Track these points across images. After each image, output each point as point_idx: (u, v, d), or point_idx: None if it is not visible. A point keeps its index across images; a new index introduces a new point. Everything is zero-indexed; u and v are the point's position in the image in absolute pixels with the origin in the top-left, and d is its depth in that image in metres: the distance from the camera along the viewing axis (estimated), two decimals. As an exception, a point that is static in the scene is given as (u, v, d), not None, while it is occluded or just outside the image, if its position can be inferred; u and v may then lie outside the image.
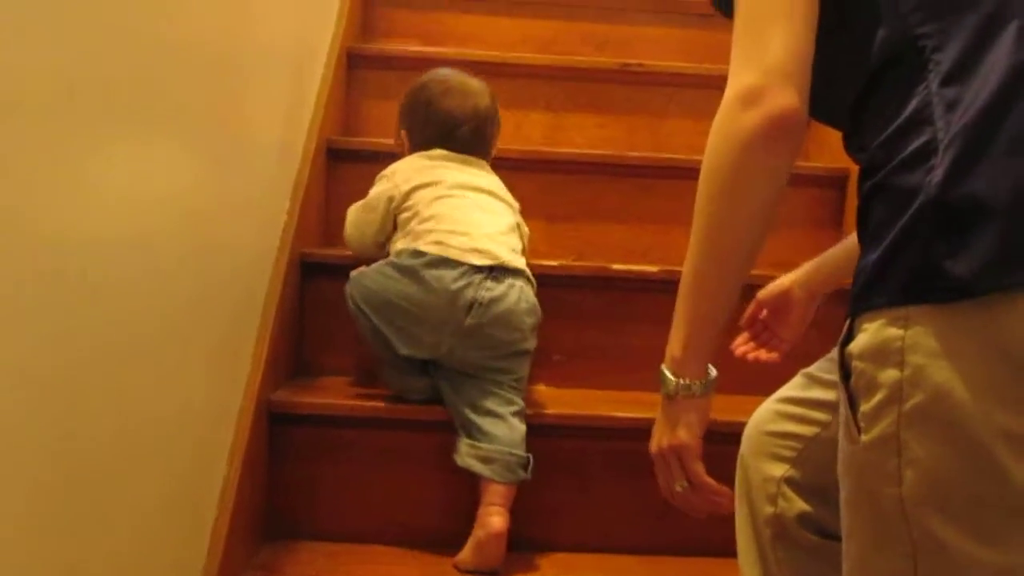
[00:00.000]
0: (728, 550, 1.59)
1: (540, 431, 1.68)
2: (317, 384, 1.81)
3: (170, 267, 1.20)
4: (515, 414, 1.65)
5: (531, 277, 1.74)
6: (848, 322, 0.85)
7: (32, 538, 0.88)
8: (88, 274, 0.96)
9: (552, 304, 1.84)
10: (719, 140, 0.91)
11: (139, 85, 1.06)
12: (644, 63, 2.44)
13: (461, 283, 1.64)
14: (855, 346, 0.83)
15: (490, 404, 1.64)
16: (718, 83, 2.29)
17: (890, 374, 0.80)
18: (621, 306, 1.94)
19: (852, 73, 0.91)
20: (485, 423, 1.62)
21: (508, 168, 2.12)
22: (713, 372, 1.01)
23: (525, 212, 2.12)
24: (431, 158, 1.81)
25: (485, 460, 1.59)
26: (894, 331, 0.79)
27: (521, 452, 1.61)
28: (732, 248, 0.94)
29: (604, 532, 1.69)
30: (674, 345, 0.99)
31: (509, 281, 1.68)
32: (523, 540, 1.63)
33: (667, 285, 1.83)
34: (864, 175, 0.88)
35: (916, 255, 0.79)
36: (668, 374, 1.01)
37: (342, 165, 2.11)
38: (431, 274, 1.64)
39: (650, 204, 2.18)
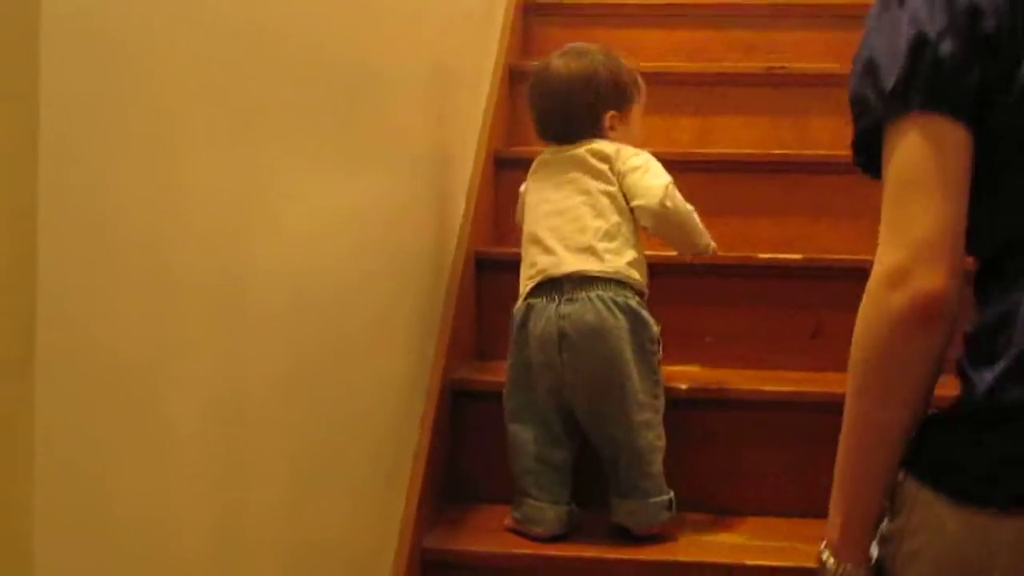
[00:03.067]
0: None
1: (696, 404, 1.86)
2: (491, 366, 2.03)
3: (374, 271, 1.45)
4: None
5: (625, 279, 1.73)
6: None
7: (289, 495, 1.12)
8: (306, 290, 1.19)
9: (704, 291, 2.03)
10: (865, 325, 0.90)
11: (338, 110, 1.30)
12: (787, 65, 2.58)
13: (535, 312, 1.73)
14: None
15: None
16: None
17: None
18: (767, 292, 2.09)
19: (979, 244, 0.91)
20: None
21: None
22: (875, 553, 0.95)
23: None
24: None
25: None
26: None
27: None
28: (880, 440, 0.92)
29: (753, 496, 1.85)
30: (832, 529, 0.97)
31: (583, 295, 1.71)
32: (683, 501, 1.82)
33: (809, 271, 2.03)
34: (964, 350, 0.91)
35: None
36: (827, 558, 0.97)
37: (506, 172, 2.34)
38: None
39: (795, 198, 2.32)
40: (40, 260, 0.65)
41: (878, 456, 0.92)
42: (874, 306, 0.88)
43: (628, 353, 1.69)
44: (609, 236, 1.74)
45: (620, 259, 1.73)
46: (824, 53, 2.69)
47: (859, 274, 1.98)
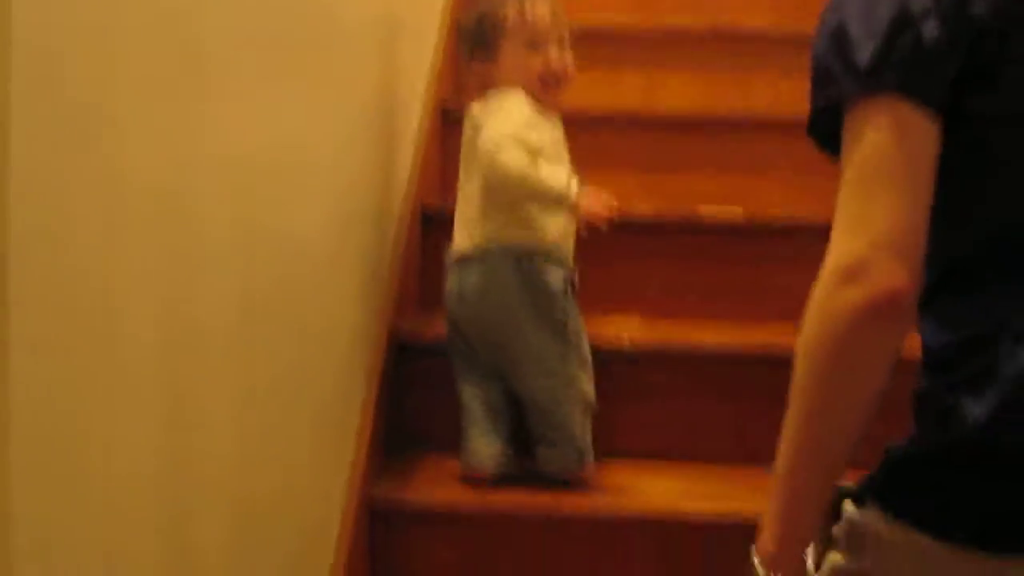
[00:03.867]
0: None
1: (635, 357, 1.91)
2: (436, 319, 2.04)
3: (320, 213, 1.46)
4: None
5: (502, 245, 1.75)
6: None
7: (237, 440, 1.14)
8: (255, 225, 1.21)
9: (645, 246, 2.06)
10: (816, 320, 0.82)
11: (288, 50, 1.30)
12: (734, 23, 2.60)
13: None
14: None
15: None
16: (803, 40, 2.48)
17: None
18: (707, 248, 2.13)
19: (948, 246, 0.85)
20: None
21: (606, 126, 2.34)
22: (809, 563, 0.89)
23: (621, 166, 2.35)
24: None
25: None
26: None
27: None
28: (829, 442, 0.85)
29: (692, 444, 1.90)
30: (766, 539, 0.89)
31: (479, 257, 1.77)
32: (618, 450, 1.86)
33: (750, 229, 2.07)
34: (924, 367, 0.86)
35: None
36: (760, 569, 0.90)
37: (454, 127, 2.34)
38: None
39: (737, 155, 2.36)
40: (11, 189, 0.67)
41: (825, 458, 0.85)
42: (827, 300, 0.82)
43: (520, 315, 1.73)
44: (477, 204, 1.77)
45: (492, 225, 1.75)
46: (770, 10, 2.72)
47: (798, 231, 2.08)
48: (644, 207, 2.16)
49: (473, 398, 1.79)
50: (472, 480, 1.76)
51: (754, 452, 1.87)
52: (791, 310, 2.06)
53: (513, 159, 1.68)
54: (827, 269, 0.82)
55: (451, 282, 1.79)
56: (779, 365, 1.89)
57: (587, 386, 1.78)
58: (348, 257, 1.66)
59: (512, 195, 1.73)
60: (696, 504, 1.72)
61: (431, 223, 2.12)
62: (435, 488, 1.77)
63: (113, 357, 0.84)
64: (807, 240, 2.08)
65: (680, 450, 1.90)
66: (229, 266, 1.09)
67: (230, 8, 1.06)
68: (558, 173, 1.72)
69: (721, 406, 1.90)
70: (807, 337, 0.83)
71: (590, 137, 2.29)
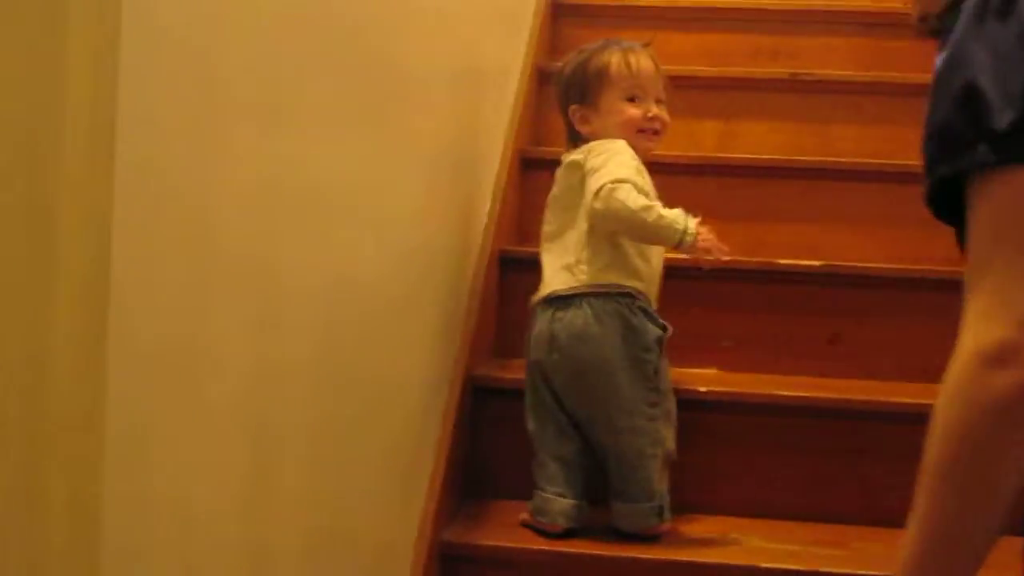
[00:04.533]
0: (870, 517, 1.79)
1: (712, 407, 1.90)
2: (512, 364, 2.06)
3: (400, 264, 1.48)
4: None
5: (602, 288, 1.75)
6: None
7: (312, 480, 1.16)
8: (336, 274, 1.23)
9: (723, 295, 2.06)
10: (959, 407, 0.76)
11: (372, 104, 1.33)
12: (812, 71, 2.60)
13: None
14: None
15: None
16: (881, 88, 2.47)
17: None
18: (785, 298, 2.12)
19: None
20: None
21: (683, 174, 2.34)
22: None
23: (698, 213, 2.35)
24: None
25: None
26: None
27: None
28: (968, 539, 0.78)
29: (765, 499, 1.88)
30: None
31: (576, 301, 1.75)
32: (693, 504, 1.85)
33: (828, 278, 2.05)
34: None
35: None
36: None
37: (532, 172, 2.37)
38: None
39: (815, 205, 2.34)
40: (114, 246, 0.71)
41: (962, 556, 0.78)
42: (972, 387, 0.75)
43: (615, 360, 1.72)
44: (583, 246, 1.77)
45: (594, 267, 1.76)
46: (847, 60, 2.71)
47: (877, 282, 2.07)
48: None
49: (548, 451, 1.78)
50: (542, 533, 1.75)
51: (829, 509, 1.85)
52: (871, 362, 2.06)
53: (632, 198, 1.70)
54: (964, 354, 0.76)
55: (541, 325, 1.77)
56: (856, 417, 1.88)
57: (671, 442, 1.77)
58: (425, 300, 1.68)
59: (629, 233, 1.75)
60: (772, 561, 1.69)
61: (508, 267, 2.13)
62: (507, 533, 1.77)
63: (200, 394, 0.87)
64: (884, 290, 2.10)
65: (754, 504, 1.88)
66: (309, 307, 1.11)
67: (317, 58, 1.10)
68: (678, 212, 1.74)
69: (795, 460, 1.88)
70: (946, 430, 0.77)
71: (669, 185, 2.30)
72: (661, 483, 1.74)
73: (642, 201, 1.70)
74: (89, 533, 0.71)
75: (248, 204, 0.95)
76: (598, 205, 1.71)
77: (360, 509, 1.36)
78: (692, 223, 1.72)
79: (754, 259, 2.17)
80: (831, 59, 2.71)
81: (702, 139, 2.57)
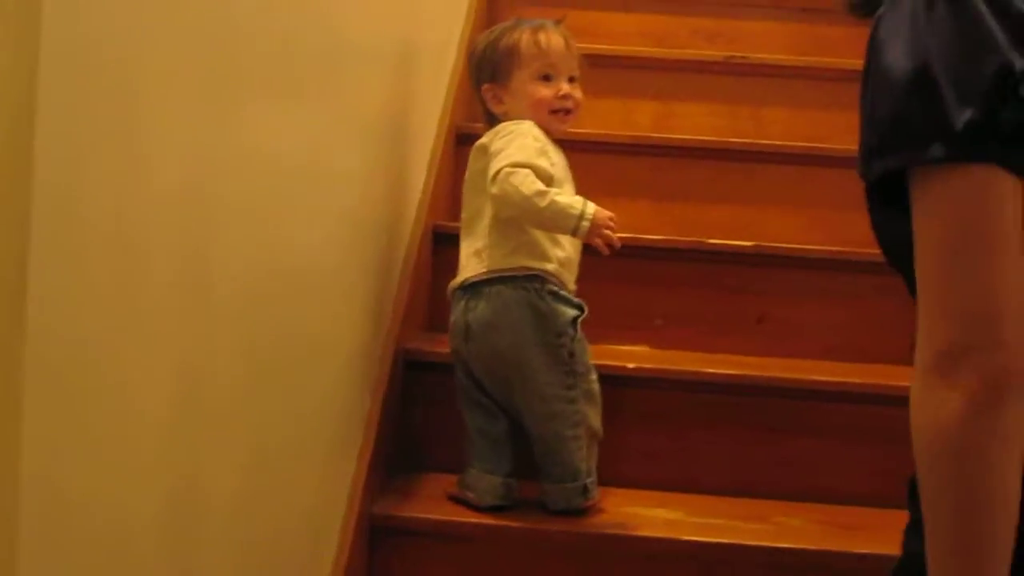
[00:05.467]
0: (792, 493, 1.83)
1: (640, 383, 1.92)
2: (444, 338, 2.05)
3: (331, 236, 1.48)
4: None
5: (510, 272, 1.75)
6: None
7: (241, 458, 1.15)
8: (265, 243, 1.23)
9: (656, 273, 2.08)
10: (929, 431, 0.73)
11: (305, 79, 1.32)
12: (747, 55, 2.63)
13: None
14: None
15: None
16: (814, 73, 2.50)
17: None
18: (716, 277, 2.14)
19: None
20: None
21: (618, 152, 2.36)
22: None
23: (634, 193, 2.37)
24: None
25: None
26: None
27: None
28: (979, 547, 0.73)
29: (691, 474, 1.91)
30: None
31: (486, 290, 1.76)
32: (620, 479, 1.87)
33: (758, 258, 2.08)
34: None
35: None
36: None
37: (467, 148, 2.36)
38: None
39: (748, 186, 2.37)
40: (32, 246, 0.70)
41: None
42: (935, 406, 0.72)
43: (527, 348, 1.73)
44: (489, 231, 1.77)
45: (500, 252, 1.75)
46: (785, 45, 2.74)
47: (805, 263, 2.10)
48: (655, 234, 2.18)
49: (477, 431, 1.79)
50: (470, 506, 1.76)
51: (753, 484, 1.89)
52: (798, 342, 2.10)
53: (527, 184, 1.68)
54: (921, 367, 0.73)
55: (456, 315, 1.79)
56: (782, 395, 1.92)
57: (595, 421, 1.78)
58: (357, 273, 1.68)
59: (525, 220, 1.72)
60: (695, 534, 1.72)
61: (442, 242, 2.13)
62: (437, 506, 1.78)
63: (125, 363, 0.86)
64: (811, 271, 2.14)
65: (680, 478, 1.90)
66: (239, 278, 1.11)
67: (254, 26, 1.09)
68: (574, 198, 1.71)
69: (721, 437, 1.91)
70: (923, 457, 0.74)
71: (603, 163, 2.32)
72: (584, 462, 1.75)
73: (536, 186, 1.67)
74: (7, 478, 0.70)
75: (185, 163, 0.94)
76: (494, 190, 1.70)
77: (291, 471, 1.36)
78: (590, 209, 1.68)
79: (686, 238, 2.19)
80: (769, 43, 2.75)
81: (639, 119, 2.59)
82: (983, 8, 0.75)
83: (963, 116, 0.74)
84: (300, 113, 1.28)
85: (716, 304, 2.13)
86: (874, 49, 0.81)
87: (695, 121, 2.58)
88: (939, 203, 0.75)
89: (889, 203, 0.80)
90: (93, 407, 0.82)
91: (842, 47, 2.66)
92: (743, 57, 2.62)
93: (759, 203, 2.36)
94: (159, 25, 0.87)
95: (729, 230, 2.27)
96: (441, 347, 1.91)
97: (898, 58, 0.77)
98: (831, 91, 2.48)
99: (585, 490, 1.75)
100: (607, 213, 1.70)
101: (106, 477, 0.85)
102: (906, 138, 0.76)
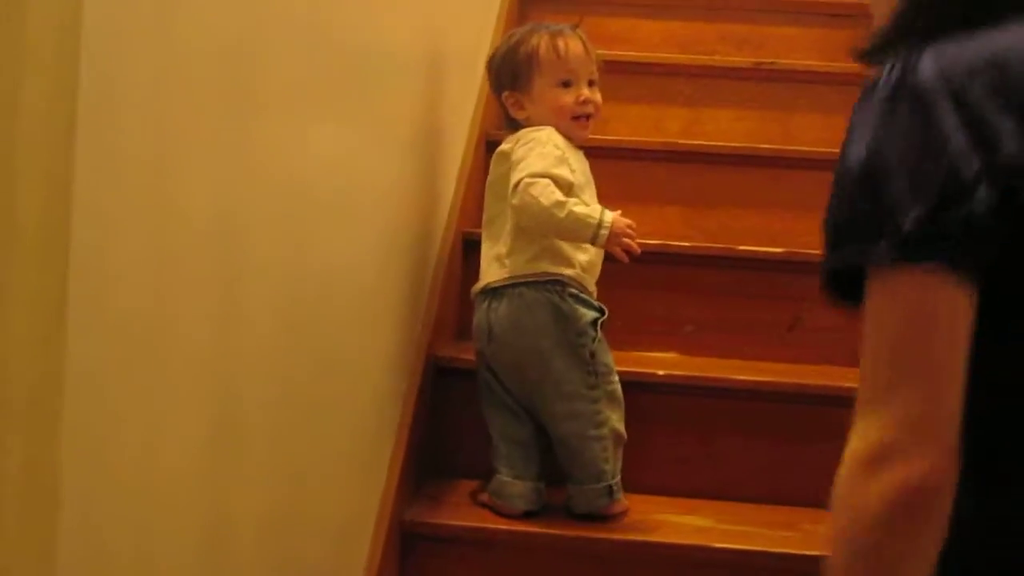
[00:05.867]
0: (821, 500, 1.82)
1: (672, 390, 1.93)
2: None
3: (364, 245, 1.50)
4: None
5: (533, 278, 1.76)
6: None
7: (273, 461, 1.17)
8: (300, 252, 1.24)
9: (686, 280, 2.09)
10: (847, 515, 0.74)
11: (341, 89, 1.34)
12: (776, 60, 2.63)
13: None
14: None
15: None
16: (843, 79, 2.51)
17: None
18: (747, 284, 2.14)
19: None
20: None
21: (648, 159, 2.37)
22: None
23: (664, 199, 2.37)
24: None
25: None
26: None
27: None
28: None
29: (720, 481, 1.91)
30: None
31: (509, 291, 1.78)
32: (649, 486, 1.88)
33: (789, 265, 2.08)
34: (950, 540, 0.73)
35: None
36: None
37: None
38: None
39: (778, 192, 2.37)
40: (73, 233, 0.71)
41: None
42: (855, 494, 0.73)
43: (549, 347, 1.74)
44: (511, 237, 1.78)
45: (522, 258, 1.77)
46: (812, 50, 2.74)
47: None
48: (684, 240, 2.19)
49: (502, 436, 1.80)
50: (501, 514, 1.77)
51: (783, 491, 1.89)
52: (829, 348, 2.09)
53: (546, 194, 1.70)
54: (852, 453, 0.74)
55: (479, 317, 1.80)
56: (813, 402, 1.92)
57: (618, 423, 1.78)
58: (391, 282, 1.70)
59: (544, 230, 1.74)
60: (724, 541, 1.72)
61: (472, 249, 2.15)
62: (467, 513, 1.79)
63: (163, 369, 0.88)
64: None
65: (710, 485, 1.91)
66: (274, 289, 1.12)
67: (288, 39, 1.10)
68: (592, 207, 1.73)
69: (752, 443, 1.91)
70: (839, 531, 0.75)
71: (633, 170, 2.33)
72: (609, 463, 1.76)
73: (555, 197, 1.69)
74: (47, 502, 0.72)
75: (216, 184, 0.95)
76: (515, 201, 1.72)
77: (322, 487, 1.38)
78: (608, 218, 1.70)
79: (716, 245, 2.20)
80: (797, 49, 2.74)
81: (668, 125, 2.59)
82: (945, 109, 0.74)
83: (909, 218, 0.73)
84: (329, 129, 1.30)
85: (746, 311, 2.13)
86: (846, 135, 0.80)
87: (724, 127, 2.58)
88: (885, 303, 0.75)
89: (846, 297, 0.79)
90: (130, 434, 0.84)
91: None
92: (772, 63, 2.62)
93: (789, 209, 2.36)
94: (186, 51, 0.89)
95: (759, 236, 2.27)
96: (471, 354, 1.93)
97: (856, 150, 0.77)
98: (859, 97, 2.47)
99: (610, 492, 1.76)
100: (626, 221, 1.72)
101: (140, 504, 0.87)
102: (856, 235, 0.76)
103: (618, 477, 1.77)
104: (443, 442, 1.95)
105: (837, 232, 0.78)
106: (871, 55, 0.86)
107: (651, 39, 2.80)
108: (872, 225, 0.75)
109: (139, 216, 0.82)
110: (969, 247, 0.73)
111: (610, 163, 2.19)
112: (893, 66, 0.78)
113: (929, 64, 0.76)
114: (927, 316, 0.73)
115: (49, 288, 0.71)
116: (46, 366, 0.71)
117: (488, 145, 2.37)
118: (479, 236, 2.14)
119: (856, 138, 0.78)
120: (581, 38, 1.89)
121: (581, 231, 1.71)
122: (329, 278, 1.33)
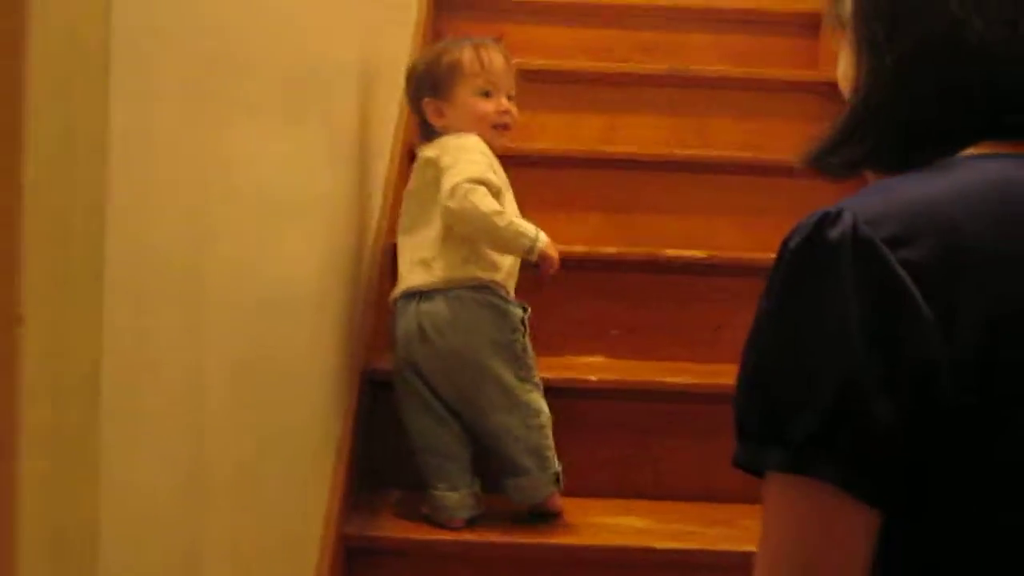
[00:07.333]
0: (755, 496, 1.87)
1: (603, 394, 1.96)
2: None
3: (312, 264, 1.49)
4: None
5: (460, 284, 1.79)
6: None
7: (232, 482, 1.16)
8: (252, 274, 1.24)
9: (610, 285, 2.12)
10: None
11: (278, 104, 1.34)
12: (689, 67, 2.69)
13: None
14: None
15: None
16: (758, 84, 2.55)
17: None
18: (671, 287, 2.19)
19: None
20: None
21: (568, 166, 2.40)
22: None
23: (586, 206, 2.41)
24: None
25: None
26: None
27: None
28: None
29: (657, 481, 1.95)
30: None
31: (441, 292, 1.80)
32: (588, 489, 1.91)
33: (712, 268, 2.13)
34: None
35: None
36: None
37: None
38: None
39: (696, 196, 2.43)
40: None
41: None
42: None
43: (485, 345, 1.78)
44: (439, 243, 1.81)
45: (451, 262, 1.79)
46: (724, 56, 2.81)
47: (758, 272, 2.14)
48: (608, 246, 2.23)
49: (427, 449, 1.80)
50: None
51: (717, 489, 1.93)
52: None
53: (486, 202, 1.73)
54: None
55: (406, 320, 1.80)
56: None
57: (546, 407, 1.82)
58: (330, 295, 1.69)
59: (479, 236, 1.77)
60: (664, 541, 1.76)
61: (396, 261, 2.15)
62: (408, 525, 1.79)
63: (136, 408, 0.87)
64: (764, 280, 2.18)
65: (646, 486, 1.95)
66: (235, 311, 1.11)
67: (245, 55, 1.10)
68: (526, 223, 1.78)
69: (684, 443, 1.96)
70: None
71: (553, 178, 2.36)
72: (551, 451, 1.79)
73: (494, 205, 1.74)
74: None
75: (174, 201, 0.94)
76: (452, 204, 1.74)
77: (273, 505, 1.37)
78: (543, 236, 1.78)
79: (640, 249, 2.24)
80: (707, 55, 2.81)
81: (585, 133, 2.63)
82: (851, 283, 0.66)
83: (797, 427, 0.66)
84: (284, 141, 1.30)
85: (672, 314, 2.18)
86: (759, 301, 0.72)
87: (640, 133, 2.63)
88: (776, 508, 0.69)
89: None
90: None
91: (782, 58, 2.75)
92: (686, 69, 2.68)
93: (709, 212, 2.42)
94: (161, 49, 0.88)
95: (680, 240, 2.32)
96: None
97: (753, 332, 0.71)
98: (773, 101, 2.55)
99: (557, 480, 1.79)
100: (551, 241, 1.80)
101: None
102: (751, 434, 0.70)
103: (559, 464, 1.80)
104: (378, 454, 1.95)
105: (738, 424, 0.71)
106: (815, 161, 0.80)
107: (565, 47, 2.83)
108: (759, 432, 0.69)
109: (123, 227, 0.81)
110: (864, 464, 0.65)
111: (532, 171, 2.22)
112: (809, 219, 0.69)
113: (847, 219, 0.67)
114: (819, 533, 0.67)
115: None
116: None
117: (411, 156, 2.38)
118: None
119: (760, 313, 0.71)
120: (503, 52, 1.93)
121: (517, 242, 1.76)
122: (284, 294, 1.32)
